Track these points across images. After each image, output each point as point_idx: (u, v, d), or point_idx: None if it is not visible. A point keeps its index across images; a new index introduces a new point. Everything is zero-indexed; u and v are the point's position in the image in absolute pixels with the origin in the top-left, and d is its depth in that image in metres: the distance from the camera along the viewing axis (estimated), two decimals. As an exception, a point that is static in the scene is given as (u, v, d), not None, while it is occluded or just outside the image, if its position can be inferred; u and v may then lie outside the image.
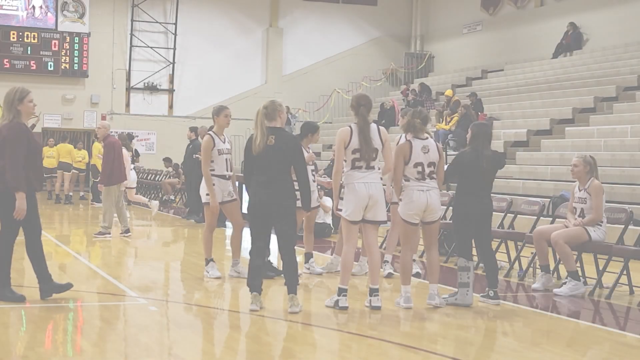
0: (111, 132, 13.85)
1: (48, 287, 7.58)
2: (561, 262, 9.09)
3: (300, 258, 8.90)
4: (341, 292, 7.54)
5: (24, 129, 7.35)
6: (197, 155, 13.68)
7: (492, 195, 8.37)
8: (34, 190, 7.48)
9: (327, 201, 13.55)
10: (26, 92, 7.42)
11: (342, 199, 7.68)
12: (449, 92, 23.39)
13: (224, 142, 9.35)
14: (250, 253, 7.48)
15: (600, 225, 8.92)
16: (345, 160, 7.56)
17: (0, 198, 7.33)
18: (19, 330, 6.52)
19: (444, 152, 8.70)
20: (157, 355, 5.84)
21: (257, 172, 7.43)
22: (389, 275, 9.60)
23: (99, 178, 14.07)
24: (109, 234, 13.40)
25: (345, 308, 7.47)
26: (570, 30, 24.60)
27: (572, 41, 24.59)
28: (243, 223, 9.44)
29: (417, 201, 7.67)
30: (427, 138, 7.87)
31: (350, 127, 7.57)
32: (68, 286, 7.66)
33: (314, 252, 9.99)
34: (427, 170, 7.73)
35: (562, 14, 25.24)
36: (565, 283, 8.84)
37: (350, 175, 7.55)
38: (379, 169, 7.65)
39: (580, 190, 9.00)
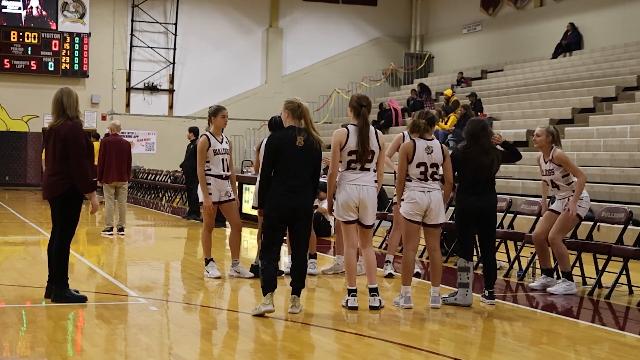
0: (107, 131, 14.23)
1: (53, 292, 7.53)
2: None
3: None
4: (350, 292, 7.55)
5: (82, 129, 7.55)
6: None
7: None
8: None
9: (324, 204, 13.64)
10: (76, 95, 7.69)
11: None
12: (448, 92, 23.42)
13: (221, 142, 9.33)
14: (266, 257, 7.17)
15: (582, 199, 8.87)
16: (341, 162, 7.52)
17: (63, 197, 7.42)
18: (19, 330, 6.53)
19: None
20: (157, 355, 5.85)
21: (283, 174, 7.12)
22: (390, 276, 9.61)
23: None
24: (109, 230, 13.81)
25: (355, 308, 7.49)
26: (570, 30, 24.63)
27: (572, 41, 24.62)
28: (241, 223, 9.44)
29: (419, 201, 7.67)
30: (432, 139, 7.87)
31: (347, 128, 7.51)
32: (82, 299, 7.63)
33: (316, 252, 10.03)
34: (430, 171, 7.72)
35: (561, 14, 25.28)
36: (559, 283, 8.88)
37: (343, 175, 7.49)
38: (374, 171, 7.62)
39: (545, 163, 8.97)
